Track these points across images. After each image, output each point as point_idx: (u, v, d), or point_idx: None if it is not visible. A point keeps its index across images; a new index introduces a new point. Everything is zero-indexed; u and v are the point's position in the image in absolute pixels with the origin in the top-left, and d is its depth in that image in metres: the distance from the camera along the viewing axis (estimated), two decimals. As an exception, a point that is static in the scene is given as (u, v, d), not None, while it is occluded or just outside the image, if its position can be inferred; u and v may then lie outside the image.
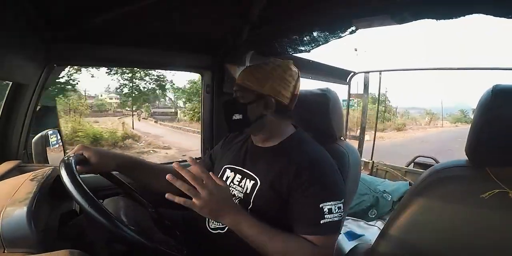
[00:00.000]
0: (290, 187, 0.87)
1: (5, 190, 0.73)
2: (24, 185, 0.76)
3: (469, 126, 0.77)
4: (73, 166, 0.76)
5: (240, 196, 0.95)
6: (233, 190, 0.97)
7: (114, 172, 1.02)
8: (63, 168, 0.73)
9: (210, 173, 0.80)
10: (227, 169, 1.03)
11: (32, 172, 0.90)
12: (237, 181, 0.98)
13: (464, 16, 0.81)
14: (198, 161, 1.33)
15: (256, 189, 0.92)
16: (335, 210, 0.84)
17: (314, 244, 0.83)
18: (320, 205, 0.83)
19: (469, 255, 0.73)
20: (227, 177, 1.01)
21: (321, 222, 0.82)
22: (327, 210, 0.83)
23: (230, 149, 1.10)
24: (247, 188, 0.94)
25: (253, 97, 0.94)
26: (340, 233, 1.72)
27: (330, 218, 0.83)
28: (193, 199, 0.74)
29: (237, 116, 0.95)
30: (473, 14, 0.79)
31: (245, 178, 0.97)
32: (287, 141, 0.98)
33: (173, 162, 1.64)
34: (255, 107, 0.94)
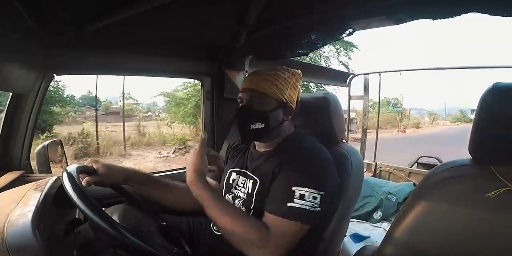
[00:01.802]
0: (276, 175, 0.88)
1: (9, 200, 0.73)
2: (27, 194, 0.77)
3: (468, 124, 0.76)
4: (75, 174, 0.76)
5: (244, 197, 0.96)
6: (238, 193, 0.99)
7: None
8: (65, 177, 0.74)
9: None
10: (233, 172, 1.05)
11: (35, 182, 0.90)
12: (241, 183, 1.00)
13: (460, 15, 0.81)
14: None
15: (256, 188, 0.93)
16: (309, 198, 0.80)
17: (268, 225, 0.81)
18: (293, 188, 0.80)
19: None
20: (233, 180, 1.03)
21: (287, 204, 0.80)
22: (298, 195, 0.80)
23: (235, 154, 1.12)
24: (248, 188, 0.96)
25: (275, 104, 0.93)
26: (346, 236, 1.71)
27: (299, 204, 0.79)
28: None
29: (257, 125, 0.92)
30: (469, 13, 0.80)
31: (247, 179, 0.98)
32: (284, 142, 0.99)
33: (171, 170, 1.66)
34: (277, 114, 0.94)
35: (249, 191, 0.95)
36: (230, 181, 1.03)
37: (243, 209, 0.93)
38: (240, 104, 0.97)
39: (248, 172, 0.99)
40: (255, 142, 1.04)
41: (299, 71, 1.01)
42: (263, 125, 0.92)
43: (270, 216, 0.81)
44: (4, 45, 0.82)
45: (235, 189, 1.00)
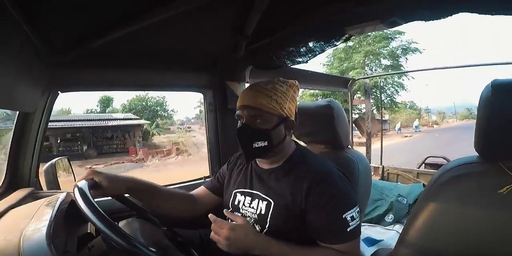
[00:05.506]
0: (306, 204, 0.88)
1: (23, 216, 0.74)
2: (40, 210, 0.78)
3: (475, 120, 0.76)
4: (87, 190, 0.77)
5: (254, 217, 0.96)
6: (246, 213, 0.98)
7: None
8: (77, 193, 0.74)
9: (226, 211, 0.92)
10: (237, 194, 1.05)
11: (46, 198, 0.91)
12: (248, 203, 0.99)
13: (451, 15, 0.83)
14: (208, 179, 1.33)
15: (271, 209, 0.93)
16: (356, 215, 0.88)
17: (342, 252, 0.87)
18: (343, 216, 0.86)
19: (492, 253, 0.70)
20: (239, 201, 1.02)
21: (348, 230, 0.86)
22: (349, 218, 0.86)
23: (235, 173, 1.11)
24: (261, 209, 0.95)
25: (276, 120, 0.91)
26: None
27: (354, 224, 0.87)
28: (218, 245, 0.84)
29: (260, 143, 0.91)
30: (459, 14, 0.81)
31: (256, 199, 0.97)
32: (290, 159, 0.98)
33: (181, 183, 1.64)
34: (279, 130, 0.93)
35: (262, 212, 0.94)
36: (236, 203, 1.03)
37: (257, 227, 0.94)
38: (239, 122, 0.95)
39: (255, 192, 0.99)
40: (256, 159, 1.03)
41: (296, 82, 1.00)
42: (266, 143, 0.91)
43: (339, 246, 0.87)
44: (11, 65, 0.83)
45: (242, 209, 1.00)
